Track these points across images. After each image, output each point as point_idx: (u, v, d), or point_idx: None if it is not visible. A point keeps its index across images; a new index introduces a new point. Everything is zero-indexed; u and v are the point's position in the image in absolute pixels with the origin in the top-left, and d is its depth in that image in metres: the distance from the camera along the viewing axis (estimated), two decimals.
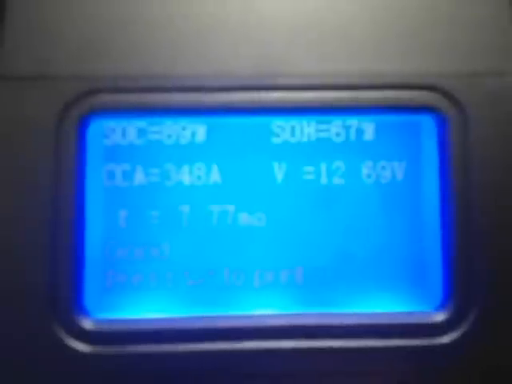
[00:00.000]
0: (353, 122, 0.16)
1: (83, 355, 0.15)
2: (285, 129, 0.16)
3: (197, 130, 0.16)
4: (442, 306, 0.15)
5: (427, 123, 0.16)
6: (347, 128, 0.16)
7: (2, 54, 0.16)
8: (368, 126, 0.16)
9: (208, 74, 0.16)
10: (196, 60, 0.16)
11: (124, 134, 0.16)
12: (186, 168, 0.16)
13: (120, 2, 0.16)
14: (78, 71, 0.16)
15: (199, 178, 0.16)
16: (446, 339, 0.15)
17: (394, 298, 0.16)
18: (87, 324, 0.15)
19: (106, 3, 0.16)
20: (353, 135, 0.16)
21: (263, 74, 0.16)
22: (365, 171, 0.16)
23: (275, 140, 0.16)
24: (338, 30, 0.16)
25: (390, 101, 0.15)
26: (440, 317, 0.15)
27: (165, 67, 0.16)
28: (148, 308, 0.16)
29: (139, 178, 0.16)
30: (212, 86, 0.16)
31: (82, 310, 0.15)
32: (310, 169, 0.16)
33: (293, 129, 0.16)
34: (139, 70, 0.16)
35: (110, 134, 0.16)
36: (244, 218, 0.16)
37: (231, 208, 0.16)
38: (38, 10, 0.16)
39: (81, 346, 0.15)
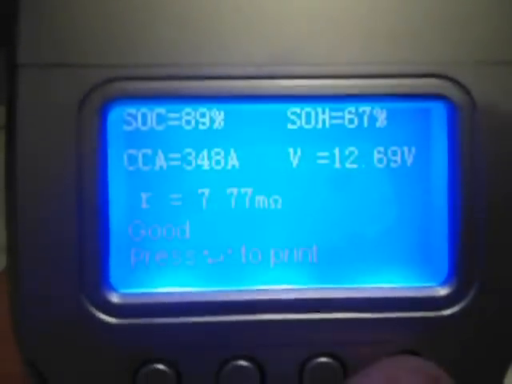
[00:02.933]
0: (365, 109, 0.16)
1: (110, 327, 0.16)
2: (300, 115, 0.16)
3: (215, 116, 0.16)
4: (446, 282, 0.17)
5: (437, 110, 0.16)
6: (360, 115, 0.16)
7: (21, 42, 0.16)
8: (380, 113, 0.16)
9: (225, 63, 0.16)
10: (214, 49, 0.16)
11: (144, 120, 0.16)
12: (204, 153, 0.17)
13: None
14: (98, 59, 0.16)
15: (218, 162, 0.17)
16: (449, 311, 0.16)
17: (402, 274, 0.17)
18: (113, 298, 0.16)
19: None
20: (365, 122, 0.16)
21: (279, 63, 0.16)
22: (376, 156, 0.17)
23: (291, 126, 0.17)
24: (352, 20, 0.16)
25: (400, 89, 0.16)
26: (444, 291, 0.17)
27: (184, 56, 0.16)
28: (170, 283, 0.17)
29: (160, 162, 0.17)
30: (229, 74, 0.16)
31: (108, 285, 0.16)
32: (324, 154, 0.17)
33: (308, 115, 0.16)
34: (158, 58, 0.16)
35: (131, 120, 0.16)
36: (261, 200, 0.17)
37: (249, 191, 0.17)
38: None
39: (108, 319, 0.16)
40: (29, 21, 0.16)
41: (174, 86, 0.16)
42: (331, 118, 0.16)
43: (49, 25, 0.16)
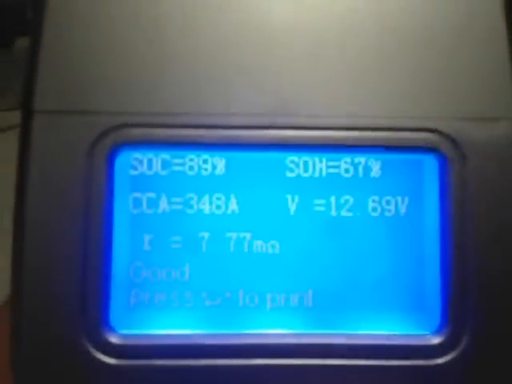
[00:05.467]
0: (361, 159, 0.17)
1: (109, 367, 0.17)
2: (298, 164, 0.17)
3: (217, 163, 0.17)
4: (438, 330, 0.17)
5: (429, 162, 0.17)
6: (355, 165, 0.17)
7: (33, 89, 0.17)
8: (375, 164, 0.17)
9: (228, 113, 0.17)
10: (217, 99, 0.17)
11: (150, 165, 0.17)
12: (206, 198, 0.17)
13: (148, 42, 0.17)
14: (108, 107, 0.17)
15: (218, 207, 0.17)
16: (442, 360, 0.17)
17: (395, 322, 0.17)
18: (113, 339, 0.17)
19: (136, 42, 0.17)
20: (361, 172, 0.17)
21: (278, 113, 0.17)
22: (371, 205, 0.17)
23: (289, 174, 0.17)
24: (350, 75, 0.17)
25: (394, 141, 0.17)
26: (436, 340, 0.17)
27: (188, 106, 0.17)
28: (169, 325, 0.17)
29: (163, 205, 0.17)
30: (231, 124, 0.17)
31: (108, 326, 0.17)
32: (320, 201, 0.17)
33: (305, 164, 0.17)
34: (164, 106, 0.17)
35: (137, 164, 0.17)
36: (259, 245, 0.17)
37: (247, 235, 0.17)
38: (68, 47, 0.17)
39: (107, 359, 0.17)
40: (46, 70, 0.17)
41: (178, 133, 0.17)
42: (328, 167, 0.17)
43: (63, 74, 0.17)
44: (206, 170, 0.17)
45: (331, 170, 0.17)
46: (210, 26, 0.17)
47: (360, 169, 0.17)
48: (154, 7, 0.17)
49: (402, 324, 0.17)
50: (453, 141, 0.17)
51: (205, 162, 0.17)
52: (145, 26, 0.17)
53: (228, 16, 0.17)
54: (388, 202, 0.17)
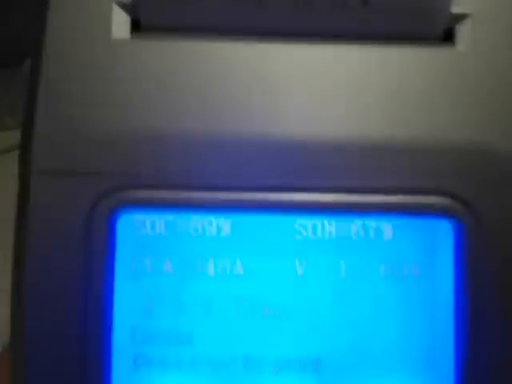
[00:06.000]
0: (372, 222, 0.17)
1: None
2: (306, 227, 0.17)
3: (222, 224, 0.17)
4: None
5: (443, 226, 0.16)
6: (366, 227, 0.17)
7: (32, 149, 0.16)
8: (386, 227, 0.17)
9: (233, 174, 0.16)
10: (222, 160, 0.16)
11: (153, 226, 0.17)
12: (211, 260, 0.17)
13: (150, 102, 0.16)
14: (109, 167, 0.16)
15: (224, 270, 0.17)
16: None
17: None
18: None
19: (137, 103, 0.16)
20: (372, 234, 0.17)
21: (286, 176, 0.16)
22: (382, 268, 0.17)
23: (297, 237, 0.17)
24: (359, 137, 0.16)
25: (407, 206, 0.16)
26: None
27: (192, 167, 0.16)
28: None
29: (167, 267, 0.17)
30: (237, 186, 0.16)
31: None
32: (329, 264, 0.17)
33: (314, 227, 0.17)
34: (168, 168, 0.16)
35: (140, 226, 0.17)
36: (265, 308, 0.17)
37: (254, 299, 0.17)
38: (66, 105, 0.16)
39: None
40: (43, 130, 0.16)
41: (182, 195, 0.16)
42: (337, 229, 0.17)
43: (62, 134, 0.16)
44: (210, 231, 0.17)
45: (341, 233, 0.17)
46: (211, 88, 0.16)
47: (371, 231, 0.17)
48: (155, 68, 0.16)
49: None
50: (468, 205, 0.16)
51: (210, 223, 0.17)
52: (146, 86, 0.16)
53: (232, 77, 0.16)
54: (400, 266, 0.17)
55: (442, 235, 0.17)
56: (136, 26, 0.17)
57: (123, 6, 0.16)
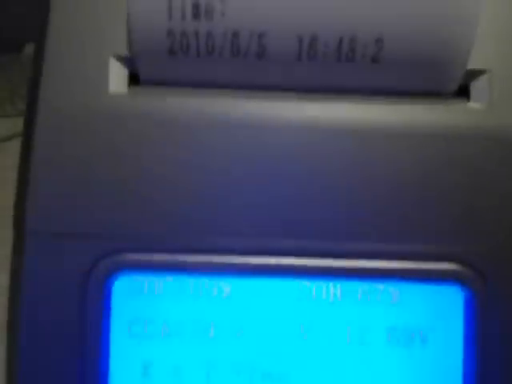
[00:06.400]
0: (379, 286, 0.16)
1: None
2: (310, 289, 0.16)
3: (223, 286, 0.16)
4: None
5: (452, 291, 0.16)
6: (373, 291, 0.16)
7: (27, 211, 0.16)
8: (394, 291, 0.16)
9: (234, 237, 0.16)
10: (222, 225, 0.16)
11: (151, 288, 0.16)
12: (210, 322, 0.16)
13: (146, 166, 0.16)
14: (106, 230, 0.16)
15: (224, 331, 0.16)
16: None
17: None
18: None
19: (132, 167, 0.16)
20: (379, 298, 0.16)
21: (291, 240, 0.16)
22: (389, 333, 0.16)
23: (300, 300, 0.16)
24: (369, 201, 0.15)
25: (416, 272, 0.15)
26: None
27: (189, 230, 0.16)
28: None
29: (165, 329, 0.16)
30: (237, 249, 0.16)
31: None
32: (334, 329, 0.16)
33: (319, 289, 0.16)
34: (163, 231, 0.16)
35: (138, 288, 0.16)
36: (268, 373, 0.16)
37: (255, 363, 0.16)
38: (62, 167, 0.16)
39: None
40: (38, 190, 0.15)
41: (179, 259, 0.16)
42: (343, 292, 0.16)
43: (58, 195, 0.16)
44: (211, 293, 0.16)
45: (347, 296, 0.16)
46: (211, 146, 0.16)
47: (378, 295, 0.16)
48: (153, 124, 0.16)
49: None
50: (479, 272, 0.15)
51: (210, 285, 0.16)
52: (141, 152, 0.16)
53: (228, 141, 0.16)
54: (407, 330, 0.16)
55: (451, 301, 0.16)
56: (134, 79, 0.16)
57: (120, 60, 0.16)
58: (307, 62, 0.15)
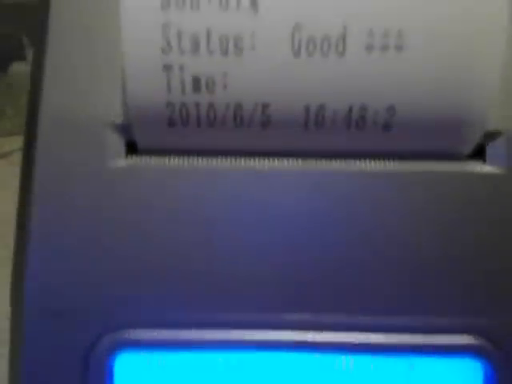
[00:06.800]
0: (396, 360, 0.15)
1: None
2: (320, 361, 0.15)
3: (227, 360, 0.15)
4: None
5: (471, 364, 0.15)
6: (389, 364, 0.15)
7: (27, 289, 0.15)
8: (409, 364, 0.15)
9: (236, 312, 0.15)
10: (224, 300, 0.15)
11: (152, 364, 0.16)
12: None
13: (146, 241, 0.15)
14: (104, 307, 0.15)
15: None
16: None
17: None
18: None
19: (132, 243, 0.15)
20: (394, 370, 0.15)
21: (302, 314, 0.15)
22: None
23: (308, 371, 0.15)
24: (382, 273, 0.15)
25: (434, 347, 0.15)
26: None
27: (190, 306, 0.15)
28: None
29: None
30: (241, 324, 0.15)
31: None
32: None
33: (330, 362, 0.15)
34: (166, 308, 0.15)
35: (138, 365, 0.16)
36: None
37: None
38: (62, 243, 0.15)
39: None
40: (37, 269, 0.15)
41: (181, 335, 0.15)
42: (356, 363, 0.15)
43: (57, 271, 0.15)
44: (212, 369, 0.15)
45: (361, 368, 0.15)
46: (208, 226, 0.15)
47: (393, 368, 0.15)
48: (151, 195, 0.15)
49: None
50: (499, 346, 0.15)
51: (212, 360, 0.15)
52: (141, 228, 0.15)
53: (229, 215, 0.15)
54: None
55: (469, 373, 0.15)
56: (132, 148, 0.15)
57: (117, 129, 0.15)
58: (314, 129, 0.14)
